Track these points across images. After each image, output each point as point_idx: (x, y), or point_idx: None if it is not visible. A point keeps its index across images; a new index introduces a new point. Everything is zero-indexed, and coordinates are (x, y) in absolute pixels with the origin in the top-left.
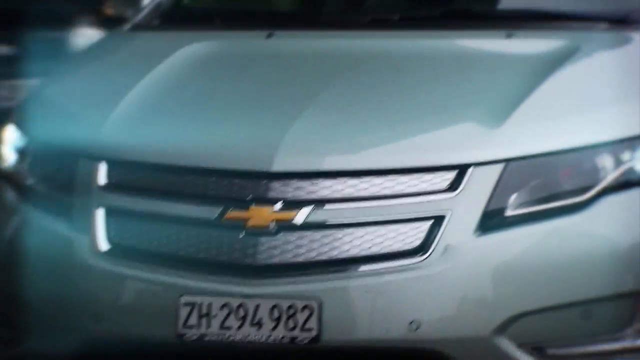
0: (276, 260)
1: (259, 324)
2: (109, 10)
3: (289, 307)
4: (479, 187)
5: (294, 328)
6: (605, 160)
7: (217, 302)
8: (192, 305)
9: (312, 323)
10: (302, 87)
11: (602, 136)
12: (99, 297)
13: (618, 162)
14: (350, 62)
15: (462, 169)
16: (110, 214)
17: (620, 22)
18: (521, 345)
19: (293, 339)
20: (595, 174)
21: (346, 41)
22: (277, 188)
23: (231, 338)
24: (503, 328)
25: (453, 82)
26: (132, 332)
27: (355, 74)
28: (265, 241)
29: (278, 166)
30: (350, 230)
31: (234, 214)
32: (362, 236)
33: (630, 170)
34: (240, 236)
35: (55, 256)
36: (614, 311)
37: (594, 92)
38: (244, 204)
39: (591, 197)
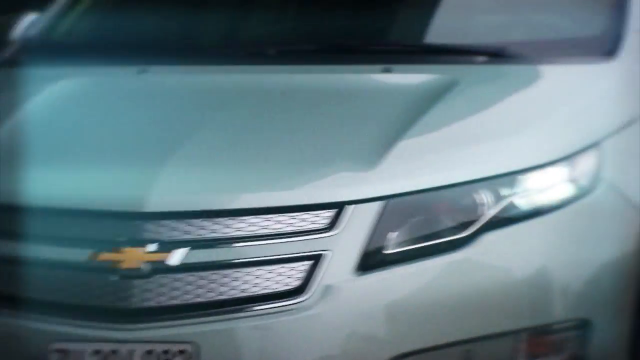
0: (151, 303)
1: None
2: None
3: (165, 351)
4: (358, 226)
5: None
6: (485, 196)
7: (90, 348)
8: (63, 352)
9: None
10: (176, 124)
11: (482, 171)
12: None
13: (498, 198)
14: (226, 98)
15: (340, 208)
16: None
17: (498, 55)
18: None
19: None
20: (475, 210)
21: (222, 77)
22: (151, 229)
23: None
24: None
25: (331, 118)
26: None
27: (231, 111)
28: (139, 284)
29: (151, 206)
30: (228, 271)
31: (106, 256)
32: (240, 277)
33: (511, 206)
34: (114, 279)
35: None
36: (494, 350)
37: (472, 126)
38: (117, 246)
39: (471, 233)
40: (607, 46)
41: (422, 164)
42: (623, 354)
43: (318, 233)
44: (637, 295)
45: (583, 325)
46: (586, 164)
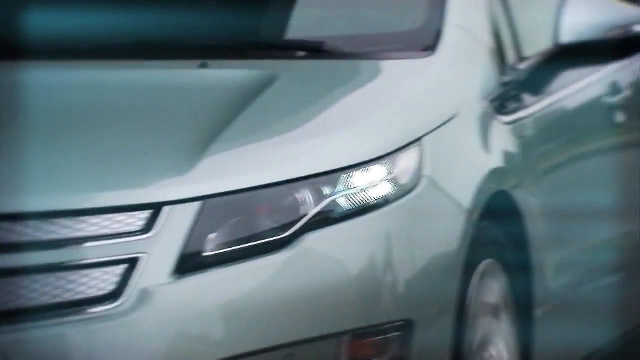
0: None
1: None
2: None
3: None
4: (175, 228)
5: None
6: (306, 196)
7: None
8: None
9: None
10: None
11: (303, 170)
12: None
13: (320, 197)
14: (38, 95)
15: (156, 209)
16: None
17: (317, 50)
18: None
19: None
20: (296, 210)
21: (38, 73)
22: None
23: None
24: None
25: (147, 117)
26: None
27: (44, 109)
28: None
29: None
30: (38, 276)
31: None
32: (52, 283)
33: (333, 205)
34: None
35: None
36: (317, 353)
37: (293, 124)
38: None
39: (292, 234)
40: (427, 41)
41: (241, 162)
42: (446, 355)
43: (133, 235)
44: (460, 295)
45: (407, 327)
46: (407, 161)
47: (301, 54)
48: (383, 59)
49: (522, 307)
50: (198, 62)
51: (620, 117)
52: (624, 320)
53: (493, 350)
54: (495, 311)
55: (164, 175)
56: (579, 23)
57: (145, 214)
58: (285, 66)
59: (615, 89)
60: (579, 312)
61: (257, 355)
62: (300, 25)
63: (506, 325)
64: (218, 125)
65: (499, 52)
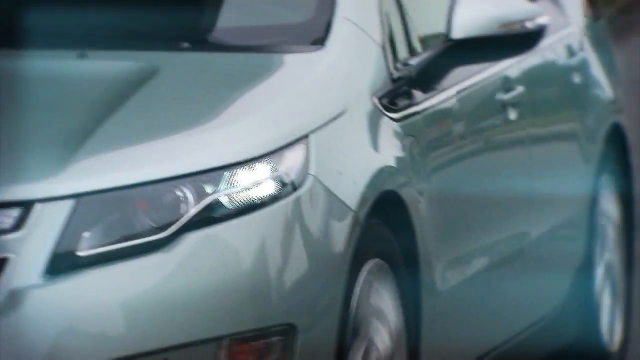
0: None
1: None
2: None
3: None
4: (47, 226)
5: None
6: (187, 193)
7: None
8: None
9: None
10: None
11: (184, 167)
12: None
13: (201, 195)
14: None
15: (27, 206)
16: None
17: (201, 42)
18: None
19: None
20: (175, 209)
21: None
22: None
23: None
24: None
25: (20, 108)
26: None
27: None
28: None
29: None
30: None
31: None
32: None
33: (215, 204)
34: None
35: None
36: (194, 359)
37: (174, 119)
38: None
39: (172, 234)
40: (316, 34)
41: (119, 158)
42: (331, 358)
43: (2, 234)
44: (346, 297)
45: (289, 331)
46: (293, 159)
47: (184, 45)
48: (270, 52)
49: (410, 308)
50: (76, 52)
51: (513, 114)
52: (516, 320)
53: (380, 352)
54: (382, 312)
55: (36, 171)
56: (471, 18)
57: (15, 211)
58: (168, 58)
59: (508, 85)
60: (469, 312)
61: None
62: (185, 15)
63: (394, 326)
64: (95, 119)
65: (391, 47)
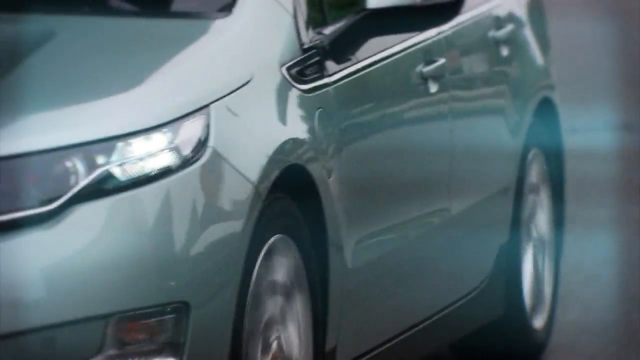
0: None
1: None
2: None
3: None
4: None
5: None
6: (77, 164)
7: None
8: None
9: None
10: None
11: (75, 136)
12: None
13: (92, 166)
14: None
15: None
16: None
17: (101, 6)
18: None
19: None
20: (65, 180)
21: None
22: None
23: None
24: None
25: None
26: None
27: None
28: None
29: None
30: None
31: None
32: None
33: (107, 176)
34: None
35: None
36: (80, 337)
37: (67, 85)
38: None
39: (59, 206)
40: (223, 0)
41: (6, 127)
42: (227, 337)
43: None
44: (245, 274)
45: (182, 309)
46: (191, 130)
47: (83, 9)
48: (174, 17)
49: (316, 287)
50: None
51: (433, 87)
52: (437, 297)
53: (281, 332)
54: (286, 290)
55: None
56: None
57: None
58: (64, 22)
59: (429, 57)
60: (384, 290)
61: (11, 339)
62: None
63: (298, 305)
64: None
65: (303, 16)
